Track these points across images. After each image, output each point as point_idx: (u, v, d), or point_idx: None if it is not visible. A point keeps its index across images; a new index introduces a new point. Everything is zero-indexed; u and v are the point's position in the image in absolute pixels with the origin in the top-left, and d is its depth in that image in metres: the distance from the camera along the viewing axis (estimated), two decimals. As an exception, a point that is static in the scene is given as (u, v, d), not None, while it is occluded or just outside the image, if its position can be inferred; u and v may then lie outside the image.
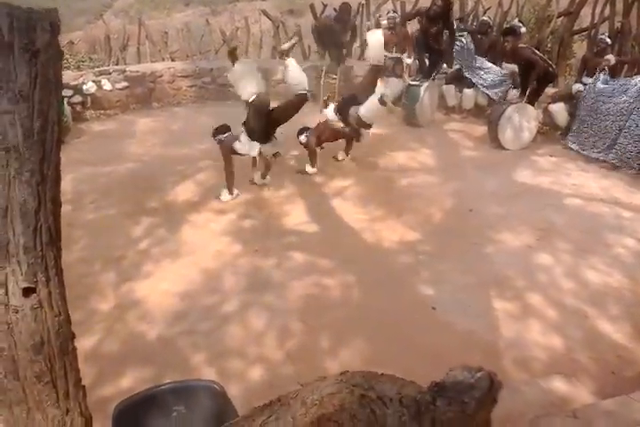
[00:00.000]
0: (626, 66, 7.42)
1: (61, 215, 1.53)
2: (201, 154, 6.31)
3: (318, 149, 5.93)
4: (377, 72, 5.76)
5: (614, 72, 6.69)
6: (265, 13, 12.03)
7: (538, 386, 2.97)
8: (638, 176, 5.92)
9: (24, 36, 1.31)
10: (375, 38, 5.64)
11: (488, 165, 6.33)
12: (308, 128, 5.80)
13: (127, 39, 12.45)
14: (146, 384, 2.50)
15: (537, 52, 6.91)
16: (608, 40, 7.10)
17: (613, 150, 6.21)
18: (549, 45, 8.90)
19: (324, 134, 5.85)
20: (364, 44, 5.99)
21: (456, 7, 9.31)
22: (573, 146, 6.77)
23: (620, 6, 8.36)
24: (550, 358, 3.24)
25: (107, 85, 8.47)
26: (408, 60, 8.60)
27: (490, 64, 7.84)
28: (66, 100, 7.61)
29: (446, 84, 8.20)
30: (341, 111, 5.74)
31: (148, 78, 8.93)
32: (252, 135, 5.14)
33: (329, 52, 8.86)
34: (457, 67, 8.11)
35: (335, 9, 8.94)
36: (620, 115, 6.15)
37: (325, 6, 10.48)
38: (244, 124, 5.17)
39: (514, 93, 7.43)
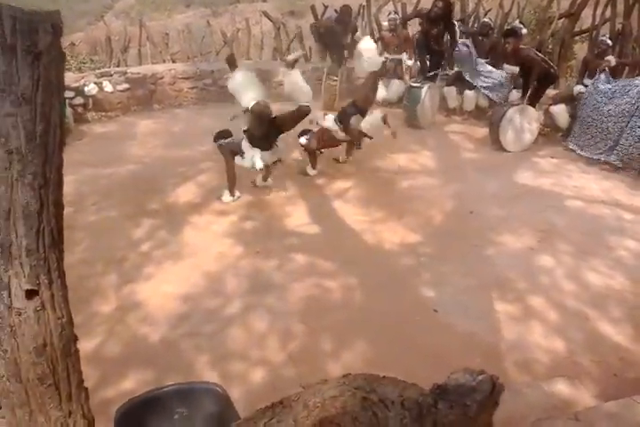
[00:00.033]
0: (627, 68, 7.42)
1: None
2: (202, 155, 6.31)
3: (318, 153, 5.94)
4: (376, 78, 5.77)
5: (615, 74, 6.69)
6: (266, 15, 12.05)
7: (540, 389, 2.96)
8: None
9: (26, 39, 1.31)
10: (367, 47, 5.71)
11: (489, 166, 6.33)
12: (310, 130, 5.81)
13: (128, 41, 12.48)
14: (148, 387, 2.49)
15: (538, 53, 6.92)
16: (609, 42, 7.09)
17: (615, 151, 6.21)
18: (550, 47, 8.91)
19: (324, 139, 5.85)
20: (356, 55, 5.96)
21: (457, 9, 9.33)
22: (575, 147, 6.77)
23: (620, 8, 8.38)
24: (552, 360, 3.23)
25: (108, 87, 8.47)
26: (409, 62, 8.62)
27: (490, 68, 7.85)
28: (67, 102, 7.62)
29: (447, 85, 8.20)
30: (342, 120, 5.75)
31: (149, 80, 8.93)
32: (253, 142, 5.14)
33: (330, 54, 8.88)
34: (458, 68, 8.11)
35: (336, 10, 8.95)
36: (621, 116, 6.15)
37: (326, 8, 10.51)
38: (246, 131, 5.16)
39: (515, 95, 7.43)
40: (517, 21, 8.21)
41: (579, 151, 6.69)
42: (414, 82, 7.84)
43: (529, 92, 6.79)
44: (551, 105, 7.17)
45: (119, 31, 13.70)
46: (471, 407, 1.25)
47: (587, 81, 6.97)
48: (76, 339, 1.62)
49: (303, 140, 5.78)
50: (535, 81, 6.65)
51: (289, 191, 5.58)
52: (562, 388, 2.98)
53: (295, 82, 5.12)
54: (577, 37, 9.68)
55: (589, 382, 3.03)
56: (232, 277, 4.11)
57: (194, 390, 2.12)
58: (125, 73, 8.80)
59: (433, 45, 7.68)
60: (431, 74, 7.89)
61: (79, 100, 8.13)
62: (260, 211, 5.21)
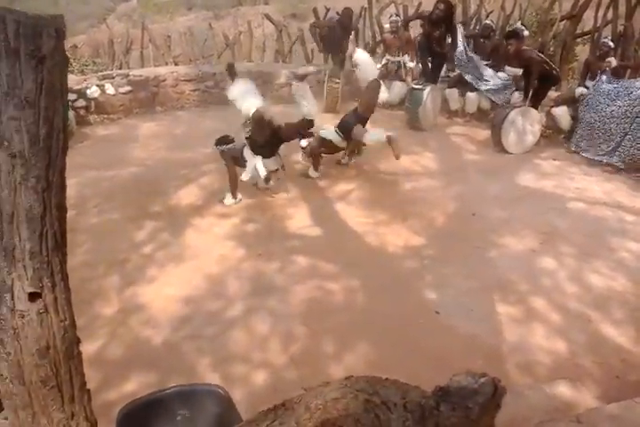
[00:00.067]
0: (629, 70, 7.41)
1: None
2: (204, 158, 6.32)
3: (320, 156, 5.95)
4: (376, 87, 5.77)
5: (617, 76, 6.68)
6: (268, 17, 12.07)
7: (541, 391, 2.96)
8: (641, 179, 5.93)
9: (30, 43, 1.32)
10: (363, 58, 5.75)
11: (491, 168, 6.32)
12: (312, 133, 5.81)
13: (130, 43, 12.51)
14: (150, 389, 2.50)
15: (541, 55, 6.92)
16: (611, 43, 7.08)
17: (617, 153, 6.20)
18: (552, 49, 8.89)
19: (325, 143, 5.85)
20: (353, 65, 6.00)
21: (459, 11, 9.33)
22: (577, 149, 6.77)
23: (622, 9, 8.37)
24: (554, 362, 3.23)
25: (110, 90, 8.48)
26: (411, 64, 8.63)
27: (492, 72, 7.85)
28: (69, 105, 7.64)
29: (449, 87, 8.20)
30: (344, 131, 5.76)
31: (152, 82, 8.95)
32: (255, 150, 5.16)
33: (332, 57, 8.89)
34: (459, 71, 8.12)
35: (338, 13, 8.97)
36: (624, 117, 6.14)
37: (328, 10, 10.52)
38: (248, 138, 5.18)
39: (517, 97, 7.43)
40: (519, 23, 8.20)
41: (581, 153, 6.69)
42: (416, 84, 7.85)
43: (531, 93, 6.79)
44: (553, 107, 7.16)
45: (121, 34, 13.73)
46: (473, 410, 1.25)
47: (588, 83, 6.97)
48: (78, 341, 1.63)
49: (304, 142, 5.78)
50: (535, 81, 6.64)
51: (291, 193, 5.58)
52: (564, 390, 2.97)
53: (302, 95, 5.22)
54: (579, 39, 9.66)
55: (591, 384, 3.02)
56: (234, 279, 4.12)
57: (196, 392, 2.13)
58: (128, 75, 8.83)
59: (435, 47, 7.68)
60: (443, 75, 7.91)
61: (81, 103, 8.15)
62: (262, 213, 5.21)
